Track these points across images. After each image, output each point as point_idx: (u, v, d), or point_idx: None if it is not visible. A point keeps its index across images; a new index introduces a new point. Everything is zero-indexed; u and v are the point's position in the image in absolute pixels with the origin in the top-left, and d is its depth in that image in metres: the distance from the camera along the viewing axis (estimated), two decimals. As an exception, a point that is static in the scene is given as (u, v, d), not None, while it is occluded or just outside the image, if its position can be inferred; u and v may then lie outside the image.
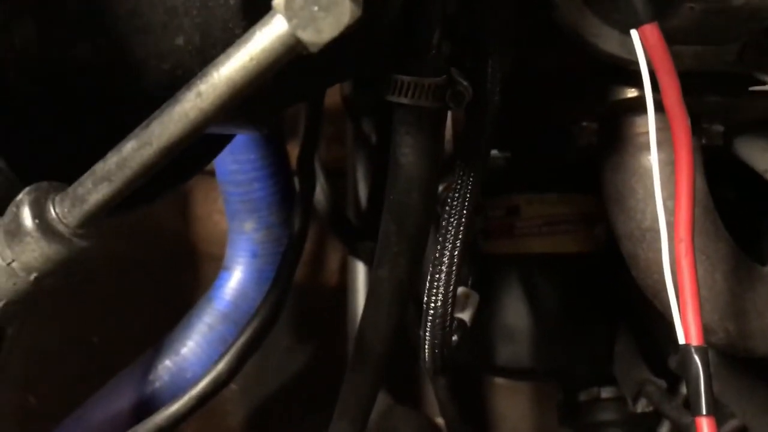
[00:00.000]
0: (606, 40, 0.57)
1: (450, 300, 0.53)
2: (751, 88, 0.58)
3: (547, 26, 0.58)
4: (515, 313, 0.83)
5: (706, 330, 0.65)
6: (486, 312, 0.83)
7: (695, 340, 0.49)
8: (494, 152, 0.81)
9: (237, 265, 0.93)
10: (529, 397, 1.25)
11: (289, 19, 0.34)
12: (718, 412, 0.81)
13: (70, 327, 1.24)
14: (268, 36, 0.35)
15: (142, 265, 1.29)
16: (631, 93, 0.61)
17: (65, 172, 0.42)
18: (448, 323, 0.53)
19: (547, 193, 0.83)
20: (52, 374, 1.24)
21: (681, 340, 0.50)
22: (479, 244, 0.83)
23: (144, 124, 0.38)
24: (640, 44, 0.48)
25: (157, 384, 0.87)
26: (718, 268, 0.64)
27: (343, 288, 1.17)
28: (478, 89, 0.51)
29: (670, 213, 0.50)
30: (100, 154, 0.40)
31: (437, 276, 0.52)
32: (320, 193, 1.05)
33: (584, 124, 0.67)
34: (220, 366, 0.77)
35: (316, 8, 0.34)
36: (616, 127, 0.64)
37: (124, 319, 1.27)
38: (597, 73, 0.62)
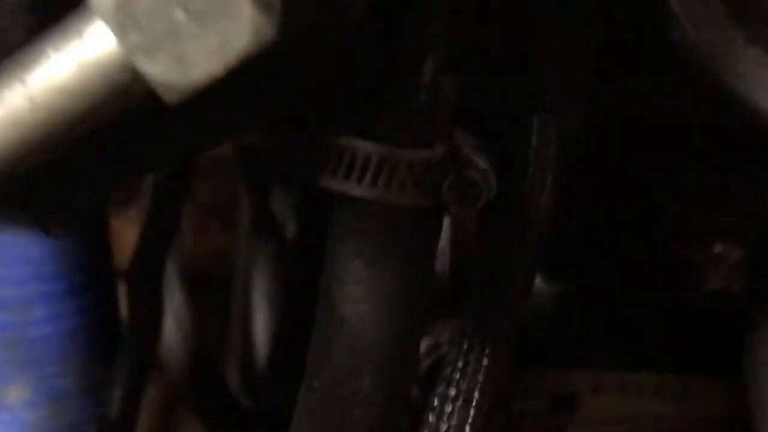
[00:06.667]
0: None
1: None
2: None
3: (651, 57, 0.40)
4: None
5: None
6: None
7: None
8: (536, 284, 0.52)
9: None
10: None
11: (121, 31, 0.18)
12: None
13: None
14: (80, 60, 0.19)
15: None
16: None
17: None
18: None
19: (631, 372, 0.54)
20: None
21: None
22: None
23: None
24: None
25: None
26: None
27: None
28: (512, 176, 0.31)
29: None
30: None
31: None
32: (175, 340, 0.60)
33: (719, 248, 0.51)
34: None
35: (181, 15, 0.17)
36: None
37: None
38: (744, 154, 0.45)
